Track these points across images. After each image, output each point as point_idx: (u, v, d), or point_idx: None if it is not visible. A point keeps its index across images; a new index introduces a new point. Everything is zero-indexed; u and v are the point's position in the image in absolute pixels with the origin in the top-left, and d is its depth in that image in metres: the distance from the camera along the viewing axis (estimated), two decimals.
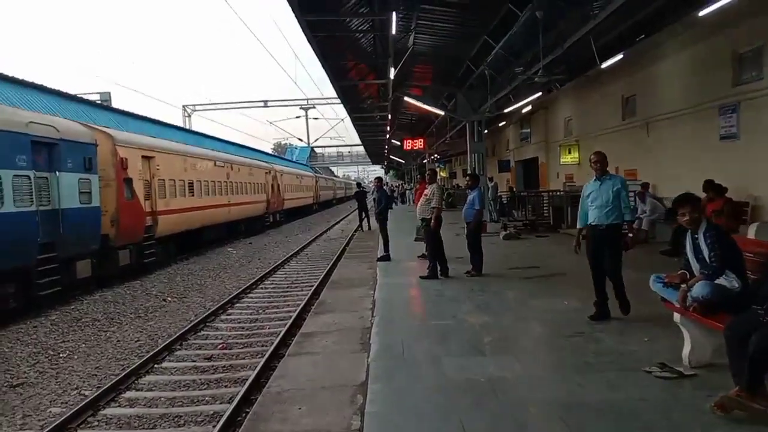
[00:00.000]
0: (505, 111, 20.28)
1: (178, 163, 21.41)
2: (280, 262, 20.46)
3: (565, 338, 6.51)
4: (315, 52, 13.18)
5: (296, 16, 11.01)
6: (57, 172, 13.64)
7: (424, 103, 18.86)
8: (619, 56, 13.81)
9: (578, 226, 7.73)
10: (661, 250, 12.43)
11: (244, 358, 9.30)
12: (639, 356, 5.66)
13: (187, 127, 49.39)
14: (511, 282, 10.19)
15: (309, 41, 12.76)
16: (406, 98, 18.61)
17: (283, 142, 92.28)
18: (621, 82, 17.75)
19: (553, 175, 25.41)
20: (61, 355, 10.18)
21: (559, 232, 18.40)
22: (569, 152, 21.87)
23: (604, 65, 14.64)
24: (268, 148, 73.23)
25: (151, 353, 9.68)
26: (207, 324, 11.94)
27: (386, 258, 13.62)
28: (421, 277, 10.70)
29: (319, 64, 16.26)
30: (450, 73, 17.78)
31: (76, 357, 10.10)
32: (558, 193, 21.73)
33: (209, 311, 12.75)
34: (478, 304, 8.55)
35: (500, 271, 11.34)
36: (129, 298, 15.23)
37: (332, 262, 18.49)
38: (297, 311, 11.41)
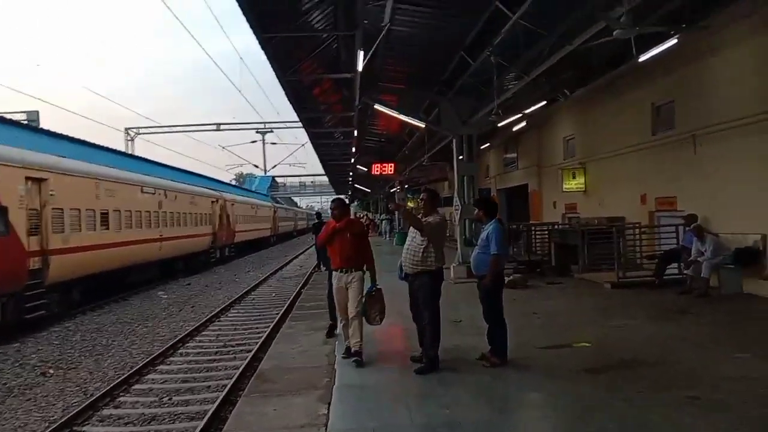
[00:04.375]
0: (500, 125, 16.37)
1: (86, 188, 16.80)
2: (216, 311, 16.38)
3: None
4: (251, 25, 8.97)
5: None
6: None
7: (399, 113, 14.83)
8: (672, 42, 9.98)
9: None
10: None
11: None
12: None
13: (130, 152, 44.56)
14: (567, 383, 5.90)
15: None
16: (377, 106, 14.56)
17: (245, 172, 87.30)
18: (650, 87, 13.99)
19: (549, 205, 21.57)
20: None
21: (573, 277, 14.39)
22: (573, 177, 18.07)
23: (643, 57, 10.83)
24: (227, 178, 68.25)
25: None
26: (74, 429, 7.81)
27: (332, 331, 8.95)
28: (417, 371, 6.42)
29: (268, 71, 12.23)
30: (434, 72, 13.80)
31: None
32: (560, 227, 17.88)
33: (89, 401, 8.66)
34: None
35: (531, 353, 7.14)
36: None
37: (279, 316, 14.54)
38: None
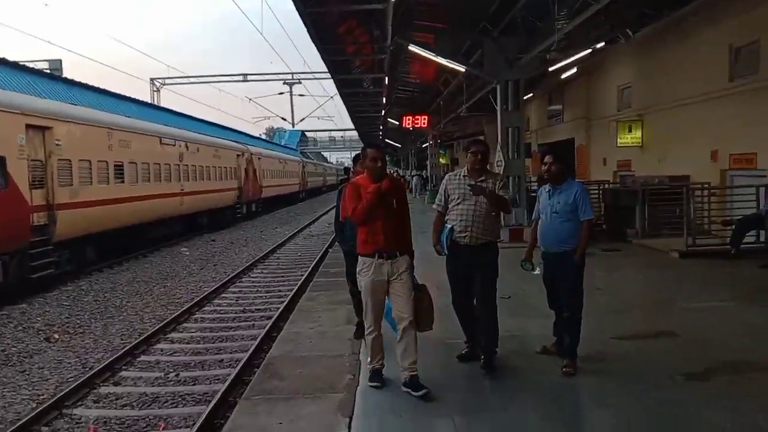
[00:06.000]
0: (550, 69, 14.57)
1: (96, 138, 15.61)
2: (238, 271, 15.34)
3: None
4: None
5: None
6: None
7: (436, 55, 13.13)
8: None
9: None
10: None
11: None
12: None
13: (156, 103, 43.55)
14: (664, 395, 4.45)
15: None
16: (411, 47, 12.89)
17: (275, 126, 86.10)
18: (728, 25, 12.05)
19: (598, 162, 19.76)
20: None
21: (631, 243, 12.79)
22: (629, 130, 16.22)
23: None
24: (257, 132, 67.16)
25: None
26: (63, 411, 6.72)
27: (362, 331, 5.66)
28: (484, 367, 5.03)
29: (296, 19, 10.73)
30: (478, 6, 12.03)
31: None
32: (615, 187, 16.17)
33: (86, 376, 7.63)
34: None
35: (606, 346, 5.70)
36: None
37: (302, 280, 13.24)
38: None
